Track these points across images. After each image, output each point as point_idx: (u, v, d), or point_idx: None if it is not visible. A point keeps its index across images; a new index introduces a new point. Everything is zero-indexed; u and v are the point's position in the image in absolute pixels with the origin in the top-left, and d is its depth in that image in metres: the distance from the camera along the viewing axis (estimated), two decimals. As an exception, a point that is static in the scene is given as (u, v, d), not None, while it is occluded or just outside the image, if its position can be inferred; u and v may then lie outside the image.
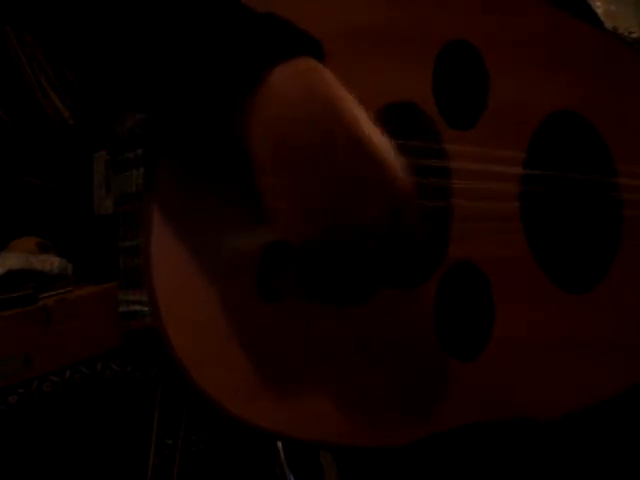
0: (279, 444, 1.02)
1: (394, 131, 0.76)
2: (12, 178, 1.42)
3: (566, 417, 0.89)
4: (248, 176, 0.72)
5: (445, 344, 0.83)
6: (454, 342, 0.84)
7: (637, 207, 0.94)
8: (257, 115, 0.69)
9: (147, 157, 0.76)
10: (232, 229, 0.76)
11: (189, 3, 0.70)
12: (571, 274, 0.91)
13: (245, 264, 0.76)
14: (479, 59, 0.88)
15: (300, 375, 0.78)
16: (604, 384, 0.91)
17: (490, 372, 0.85)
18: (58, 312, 1.21)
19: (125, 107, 0.81)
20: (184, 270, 0.74)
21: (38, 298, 1.22)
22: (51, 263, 1.30)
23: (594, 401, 0.91)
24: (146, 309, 0.75)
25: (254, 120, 0.69)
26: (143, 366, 1.21)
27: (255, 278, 0.76)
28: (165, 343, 0.73)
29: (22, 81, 1.43)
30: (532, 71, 0.91)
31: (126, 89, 0.75)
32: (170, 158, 0.75)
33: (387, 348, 0.81)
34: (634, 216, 0.94)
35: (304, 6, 0.77)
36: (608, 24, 1.15)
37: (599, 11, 1.16)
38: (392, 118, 0.82)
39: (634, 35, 1.20)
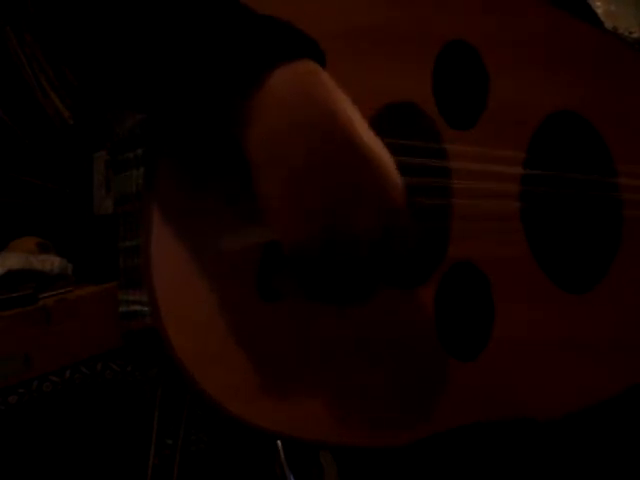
0: (279, 444, 1.02)
1: (394, 131, 0.76)
2: (12, 178, 1.42)
3: (566, 417, 0.89)
4: (248, 176, 0.72)
5: (445, 344, 0.83)
6: (454, 342, 0.84)
7: (637, 207, 0.94)
8: (255, 117, 0.69)
9: (147, 157, 0.76)
10: (232, 229, 0.76)
11: (189, 4, 0.70)
12: (571, 274, 0.91)
13: (245, 264, 0.76)
14: (479, 59, 0.88)
15: (300, 375, 0.78)
16: (604, 384, 0.91)
17: (490, 372, 0.85)
18: (58, 312, 1.21)
19: (125, 107, 0.81)
20: (184, 270, 0.74)
21: (38, 298, 1.22)
22: (51, 263, 1.30)
23: (594, 401, 0.91)
24: (146, 309, 0.75)
25: (252, 122, 0.69)
26: (143, 366, 1.21)
27: (255, 278, 0.76)
28: (165, 343, 0.73)
29: (22, 81, 1.43)
30: (532, 71, 0.91)
31: (126, 89, 0.75)
32: (170, 158, 0.75)
33: (387, 348, 0.81)
34: (634, 216, 0.94)
35: (304, 6, 0.77)
36: (608, 24, 1.15)
37: (599, 11, 1.16)
38: (392, 118, 0.82)
39: (634, 35, 1.20)
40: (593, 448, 0.92)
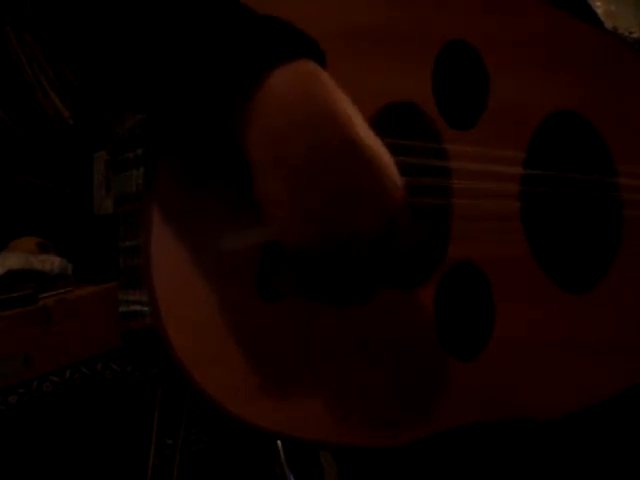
0: (279, 444, 1.02)
1: (394, 131, 0.76)
2: (12, 178, 1.42)
3: (566, 417, 0.89)
4: (248, 176, 0.72)
5: (445, 344, 0.83)
6: (454, 342, 0.84)
7: (637, 207, 0.94)
8: (255, 118, 0.69)
9: (147, 157, 0.76)
10: (232, 229, 0.76)
11: (189, 4, 0.70)
12: (571, 274, 0.91)
13: (245, 264, 0.76)
14: (479, 59, 0.88)
15: (300, 375, 0.78)
16: (604, 384, 0.91)
17: (490, 372, 0.85)
18: (58, 312, 1.21)
19: (125, 107, 0.81)
20: (184, 270, 0.74)
21: (38, 298, 1.22)
22: (51, 263, 1.30)
23: (594, 401, 0.91)
24: (146, 309, 0.75)
25: (252, 122, 0.69)
26: (143, 366, 1.21)
27: (255, 278, 0.76)
28: (165, 343, 0.73)
29: (22, 81, 1.43)
30: (532, 71, 0.91)
31: (126, 89, 0.75)
32: (170, 158, 0.75)
33: (387, 348, 0.81)
34: (634, 216, 0.94)
35: (304, 6, 0.77)
36: (608, 24, 1.15)
37: (599, 11, 1.16)
38: (392, 118, 0.82)
39: (634, 35, 1.20)
40: (593, 448, 0.92)
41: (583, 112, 0.93)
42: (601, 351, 0.91)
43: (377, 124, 0.74)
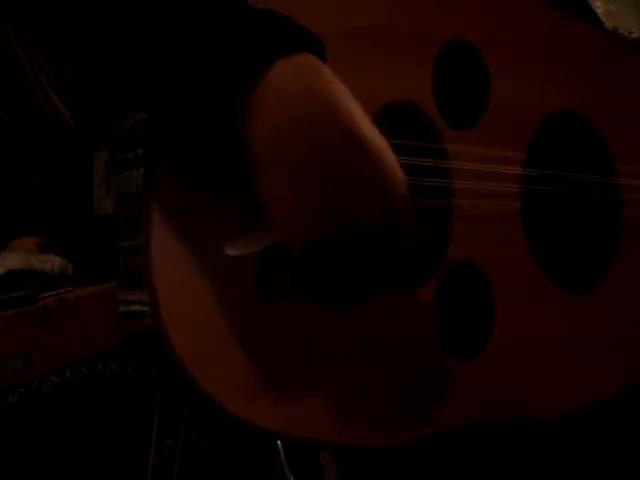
0: (279, 444, 1.02)
1: (394, 131, 0.76)
2: (12, 178, 1.42)
3: (566, 417, 0.89)
4: (248, 176, 0.72)
5: (445, 344, 0.83)
6: (454, 342, 0.84)
7: (637, 207, 0.94)
8: (256, 112, 0.69)
9: (147, 157, 0.76)
10: (232, 229, 0.76)
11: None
12: (571, 274, 0.91)
13: (245, 264, 0.76)
14: (479, 59, 0.88)
15: (300, 375, 0.78)
16: (604, 384, 0.91)
17: (490, 372, 0.85)
18: (58, 312, 1.21)
19: (125, 107, 0.81)
20: (184, 270, 0.74)
21: (38, 298, 1.22)
22: (51, 263, 1.30)
23: (594, 401, 0.91)
24: (146, 309, 0.75)
25: (252, 117, 0.69)
26: (143, 366, 1.21)
27: (255, 278, 0.76)
28: (165, 343, 0.73)
29: (22, 81, 1.43)
30: (532, 71, 0.91)
31: (126, 87, 0.75)
32: (170, 158, 0.75)
33: (387, 348, 0.81)
34: (634, 216, 0.94)
35: (304, 6, 0.77)
36: (608, 24, 1.15)
37: (599, 11, 1.15)
38: (392, 118, 0.82)
39: (634, 35, 1.20)
40: (593, 448, 0.92)
41: (583, 112, 0.93)
42: (601, 351, 0.91)
43: (377, 124, 0.74)
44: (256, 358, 0.76)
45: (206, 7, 0.69)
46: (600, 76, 0.95)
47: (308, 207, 0.70)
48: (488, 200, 0.86)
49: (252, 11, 0.70)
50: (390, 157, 0.71)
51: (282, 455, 1.01)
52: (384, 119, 0.80)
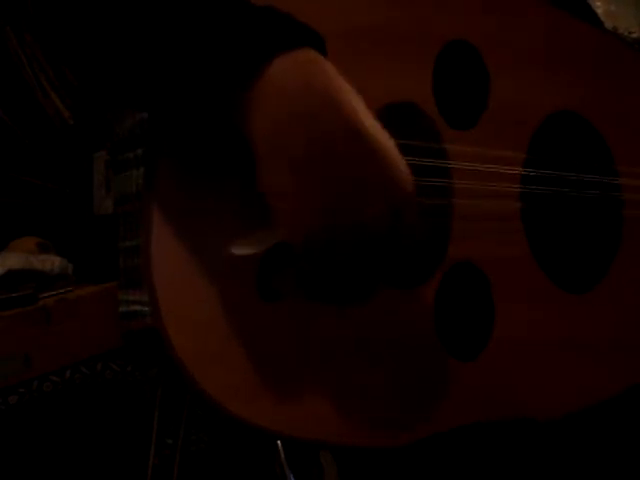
0: (279, 444, 1.02)
1: (394, 131, 0.76)
2: (12, 178, 1.42)
3: (566, 417, 0.89)
4: (248, 175, 0.72)
5: (445, 344, 0.83)
6: (454, 342, 0.84)
7: (637, 207, 0.94)
8: (257, 109, 0.69)
9: (147, 157, 0.76)
10: (232, 229, 0.76)
11: None
12: (571, 274, 0.91)
13: (245, 264, 0.76)
14: (479, 59, 0.88)
15: (300, 375, 0.78)
16: (604, 384, 0.91)
17: (490, 372, 0.85)
18: (58, 312, 1.21)
19: (125, 105, 0.81)
20: (184, 270, 0.74)
21: (38, 298, 1.22)
22: (51, 263, 1.30)
23: (594, 401, 0.91)
24: (146, 309, 0.75)
25: (253, 113, 0.69)
26: (143, 366, 1.21)
27: (255, 278, 0.76)
28: (165, 343, 0.73)
29: (22, 81, 1.43)
30: (532, 71, 0.91)
31: (126, 85, 0.75)
32: (170, 158, 0.75)
33: (387, 348, 0.81)
34: (634, 216, 0.94)
35: (304, 6, 0.77)
36: (608, 24, 1.15)
37: (599, 11, 1.15)
38: (392, 118, 0.82)
39: (634, 35, 1.20)
40: (593, 448, 0.92)
41: (583, 112, 0.93)
42: (601, 351, 0.91)
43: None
44: (256, 358, 0.76)
45: (206, 4, 0.69)
46: (600, 76, 0.95)
47: (308, 204, 0.70)
48: (488, 200, 0.86)
49: (252, 7, 0.70)
50: (395, 153, 0.71)
51: (282, 455, 1.01)
52: (384, 119, 0.80)
